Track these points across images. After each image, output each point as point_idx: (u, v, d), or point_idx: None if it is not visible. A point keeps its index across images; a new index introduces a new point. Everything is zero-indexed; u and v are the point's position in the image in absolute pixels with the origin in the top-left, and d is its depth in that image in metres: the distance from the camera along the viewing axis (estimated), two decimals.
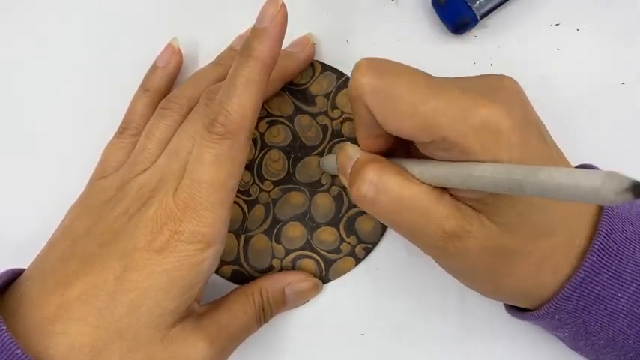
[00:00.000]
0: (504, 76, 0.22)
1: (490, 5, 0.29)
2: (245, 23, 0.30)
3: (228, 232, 0.29)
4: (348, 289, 0.29)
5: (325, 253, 0.29)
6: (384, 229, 0.29)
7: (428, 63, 0.29)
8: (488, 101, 0.19)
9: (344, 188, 0.29)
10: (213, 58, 0.30)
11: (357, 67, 0.21)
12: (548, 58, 0.30)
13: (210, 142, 0.23)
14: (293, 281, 0.28)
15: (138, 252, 0.22)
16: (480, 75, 0.22)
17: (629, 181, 0.12)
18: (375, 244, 0.29)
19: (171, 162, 0.24)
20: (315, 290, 0.29)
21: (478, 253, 0.21)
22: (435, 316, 0.29)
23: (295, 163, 0.29)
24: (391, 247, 0.29)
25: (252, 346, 0.29)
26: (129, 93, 0.29)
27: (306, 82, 0.30)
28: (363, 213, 0.29)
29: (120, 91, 0.29)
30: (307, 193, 0.29)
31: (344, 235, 0.29)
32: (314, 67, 0.30)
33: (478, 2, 0.29)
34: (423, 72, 0.21)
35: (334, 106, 0.29)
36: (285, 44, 0.28)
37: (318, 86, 0.30)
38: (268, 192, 0.29)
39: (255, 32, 0.23)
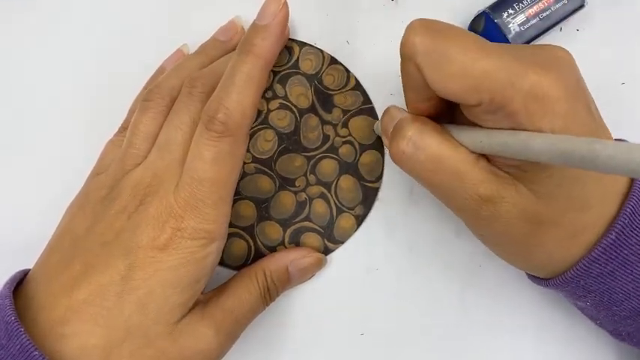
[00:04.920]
0: (558, 47, 0.22)
1: (526, 37, 0.28)
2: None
3: None
4: (348, 289, 0.30)
5: (260, 245, 0.29)
6: (326, 253, 0.29)
7: None
8: (539, 68, 0.19)
9: (311, 200, 0.29)
10: None
11: (410, 26, 0.21)
12: None
13: (209, 139, 0.23)
14: (296, 258, 0.28)
15: (142, 250, 0.22)
16: (534, 45, 0.22)
17: None
18: None
19: (162, 156, 0.24)
20: (319, 265, 0.29)
21: (511, 220, 0.21)
22: (435, 316, 0.30)
23: (283, 153, 0.29)
24: (392, 247, 0.30)
25: (252, 346, 0.29)
26: (130, 93, 0.29)
27: (335, 90, 0.30)
28: (312, 231, 0.29)
29: (121, 91, 0.29)
30: (277, 185, 0.29)
31: (286, 240, 0.29)
32: (349, 79, 0.30)
33: (514, 32, 0.28)
34: (475, 35, 0.21)
35: (345, 125, 0.29)
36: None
37: (343, 99, 0.30)
38: (245, 163, 0.29)
39: (256, 29, 0.23)
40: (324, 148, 0.29)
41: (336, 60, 0.30)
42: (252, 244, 0.29)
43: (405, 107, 0.24)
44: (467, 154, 0.21)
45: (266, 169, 0.29)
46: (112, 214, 0.24)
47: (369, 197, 0.29)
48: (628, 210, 0.22)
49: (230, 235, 0.29)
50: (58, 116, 0.30)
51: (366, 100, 0.30)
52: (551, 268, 0.24)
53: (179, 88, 0.26)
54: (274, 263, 0.27)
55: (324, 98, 0.29)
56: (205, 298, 0.25)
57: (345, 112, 0.29)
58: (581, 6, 0.28)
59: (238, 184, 0.29)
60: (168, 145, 0.24)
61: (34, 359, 0.20)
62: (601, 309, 0.24)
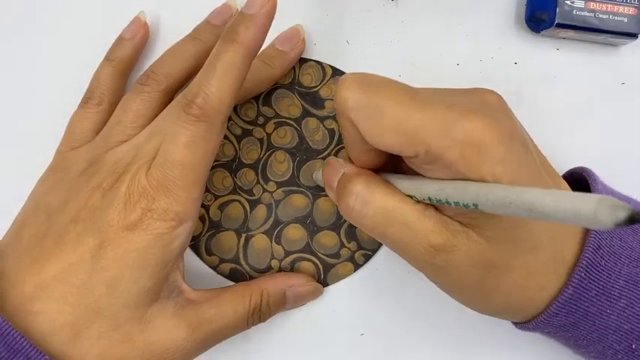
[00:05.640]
0: (488, 90, 0.22)
1: (572, 21, 0.28)
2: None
3: (229, 230, 0.29)
4: (348, 290, 0.29)
5: (324, 257, 0.29)
6: None
7: (427, 63, 0.30)
8: (471, 115, 0.20)
9: None
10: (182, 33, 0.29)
11: (341, 81, 0.21)
12: (548, 58, 0.31)
13: (185, 122, 0.23)
14: (295, 284, 0.28)
15: (112, 230, 0.22)
16: (465, 89, 0.22)
17: (624, 208, 0.12)
18: (374, 251, 0.29)
19: (148, 142, 0.24)
20: (315, 294, 0.29)
21: (465, 267, 0.21)
22: (434, 316, 0.29)
23: (300, 165, 0.29)
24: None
25: (251, 346, 0.29)
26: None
27: (316, 86, 0.30)
28: None
29: None
30: (310, 196, 0.29)
31: (344, 241, 0.29)
32: (325, 70, 0.30)
33: (565, 7, 0.28)
34: (407, 86, 0.21)
35: None
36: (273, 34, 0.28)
37: (328, 90, 0.30)
38: (271, 192, 0.29)
39: (242, 17, 0.23)
40: (334, 141, 0.29)
41: (304, 59, 0.30)
42: (316, 261, 0.29)
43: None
44: (414, 204, 0.21)
45: (293, 188, 0.29)
46: (88, 190, 0.24)
47: None
48: (584, 263, 0.22)
49: (294, 261, 0.29)
50: (60, 115, 0.29)
51: None
52: (512, 313, 0.24)
53: (175, 76, 0.27)
54: (274, 285, 0.27)
55: (311, 98, 0.30)
56: (192, 295, 0.25)
57: None
58: (635, 35, 0.29)
59: (276, 212, 0.29)
60: (157, 133, 0.24)
61: (5, 332, 0.20)
62: (570, 349, 0.25)
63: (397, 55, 0.30)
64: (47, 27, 0.30)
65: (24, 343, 0.20)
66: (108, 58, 0.29)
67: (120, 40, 0.29)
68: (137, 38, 0.29)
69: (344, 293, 0.29)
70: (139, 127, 0.26)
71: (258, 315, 0.26)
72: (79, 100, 0.28)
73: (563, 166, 0.27)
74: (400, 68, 0.30)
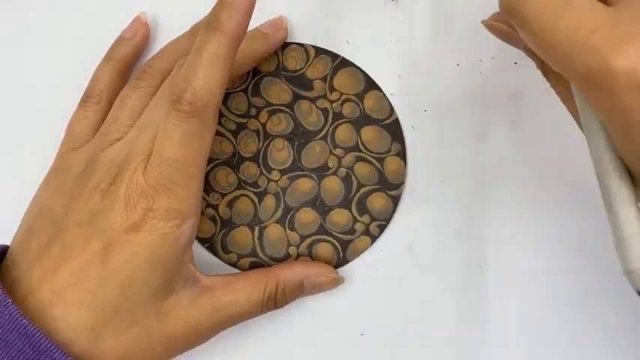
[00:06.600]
0: None
1: None
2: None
3: (242, 225, 0.29)
4: (348, 289, 0.29)
5: (340, 235, 0.29)
6: (395, 205, 0.29)
7: (427, 63, 0.30)
8: None
9: (351, 169, 0.29)
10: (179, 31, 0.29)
11: None
12: None
13: (176, 119, 0.23)
14: (313, 275, 0.28)
15: (116, 233, 0.23)
16: None
17: None
18: (388, 220, 0.29)
19: (140, 135, 0.24)
20: (334, 285, 0.29)
21: None
22: (434, 316, 0.29)
23: (300, 149, 0.29)
24: (392, 248, 0.30)
25: (251, 346, 0.29)
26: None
27: (302, 68, 0.30)
28: (373, 191, 0.29)
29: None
30: (315, 177, 0.29)
31: (357, 215, 0.29)
32: (308, 51, 0.30)
33: None
34: None
35: (332, 89, 0.29)
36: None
37: (314, 70, 0.30)
38: (276, 181, 0.29)
39: (222, 5, 0.23)
40: (330, 120, 0.29)
41: (286, 43, 0.30)
42: (333, 240, 0.29)
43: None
44: None
45: (297, 173, 0.29)
46: (87, 192, 0.24)
47: (396, 132, 0.29)
48: None
49: (311, 245, 0.29)
50: (60, 116, 0.29)
51: (334, 56, 0.30)
52: None
53: (170, 71, 0.27)
54: (290, 276, 0.27)
55: (299, 81, 0.30)
56: (206, 281, 0.25)
57: (323, 79, 0.30)
58: None
59: (284, 199, 0.29)
60: (148, 125, 0.24)
61: (23, 327, 0.21)
62: None
63: (397, 55, 0.30)
64: (47, 27, 0.30)
65: (49, 345, 0.21)
66: (108, 57, 0.29)
67: (120, 39, 0.29)
68: (137, 38, 0.29)
69: (344, 293, 0.29)
70: (134, 123, 0.26)
71: (274, 303, 0.27)
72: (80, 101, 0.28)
73: (563, 166, 0.26)
74: (400, 68, 0.30)
